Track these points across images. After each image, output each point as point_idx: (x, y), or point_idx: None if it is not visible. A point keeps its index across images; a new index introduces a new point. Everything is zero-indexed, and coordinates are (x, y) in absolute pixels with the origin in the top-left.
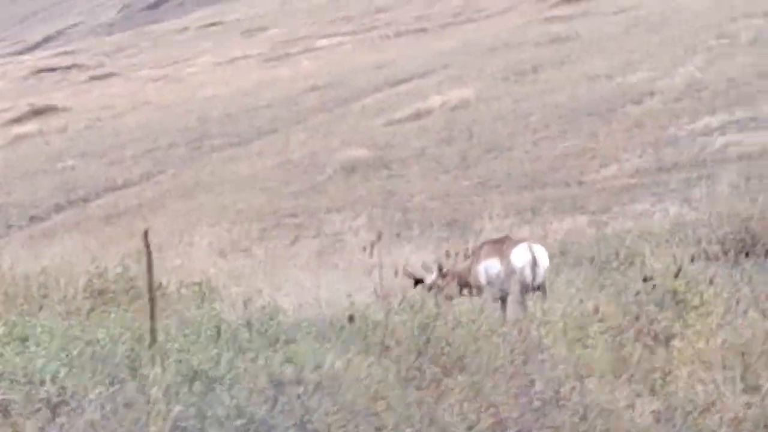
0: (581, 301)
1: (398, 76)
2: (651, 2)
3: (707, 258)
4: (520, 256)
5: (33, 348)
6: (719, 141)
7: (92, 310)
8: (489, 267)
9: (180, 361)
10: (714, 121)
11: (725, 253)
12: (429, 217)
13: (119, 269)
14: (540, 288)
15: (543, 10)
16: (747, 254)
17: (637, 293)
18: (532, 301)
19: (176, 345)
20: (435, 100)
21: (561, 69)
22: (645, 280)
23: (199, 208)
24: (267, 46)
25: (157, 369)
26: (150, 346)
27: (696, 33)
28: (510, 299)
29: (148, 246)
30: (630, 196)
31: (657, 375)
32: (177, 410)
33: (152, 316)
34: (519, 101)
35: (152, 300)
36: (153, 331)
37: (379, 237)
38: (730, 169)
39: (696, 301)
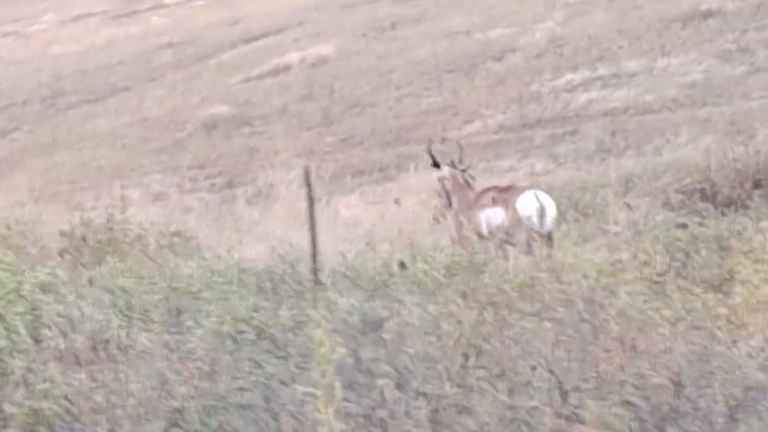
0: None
1: (254, 32)
2: None
3: (672, 208)
4: (527, 205)
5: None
6: (583, 97)
7: (99, 261)
8: (491, 216)
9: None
10: (577, 77)
11: (686, 203)
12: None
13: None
14: (547, 236)
15: None
16: (711, 204)
17: (678, 239)
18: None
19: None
20: (293, 57)
21: (419, 26)
22: (682, 226)
23: (58, 165)
24: (112, 4)
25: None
26: (314, 287)
27: None
28: (516, 249)
29: (310, 186)
30: (495, 153)
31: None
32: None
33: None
34: (380, 58)
35: (313, 239)
36: (315, 272)
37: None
38: (595, 125)
39: (746, 248)
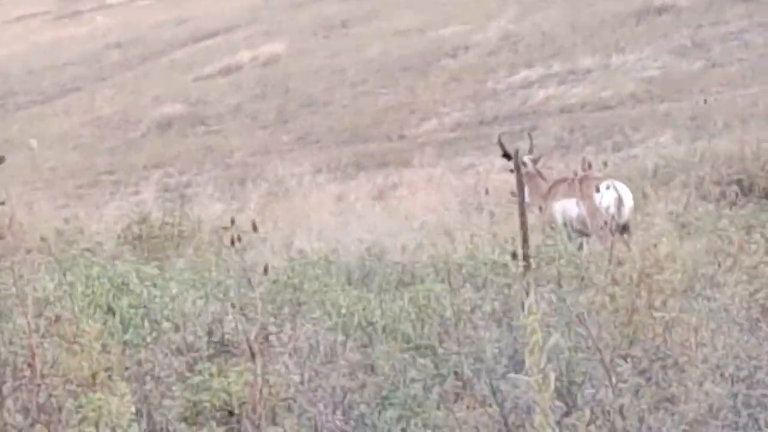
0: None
1: (202, 31)
2: None
3: (708, 201)
4: (605, 195)
5: None
6: (540, 94)
7: (159, 256)
8: (567, 207)
9: None
10: (532, 74)
11: (723, 195)
12: (251, 173)
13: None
14: (625, 228)
15: None
16: (744, 196)
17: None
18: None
19: None
20: (245, 56)
21: (370, 24)
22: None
23: (10, 165)
24: (54, 4)
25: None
26: (524, 273)
27: None
28: (592, 240)
29: (518, 168)
30: (454, 150)
31: None
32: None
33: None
34: (332, 56)
35: (524, 224)
36: (527, 257)
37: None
38: (553, 121)
39: None
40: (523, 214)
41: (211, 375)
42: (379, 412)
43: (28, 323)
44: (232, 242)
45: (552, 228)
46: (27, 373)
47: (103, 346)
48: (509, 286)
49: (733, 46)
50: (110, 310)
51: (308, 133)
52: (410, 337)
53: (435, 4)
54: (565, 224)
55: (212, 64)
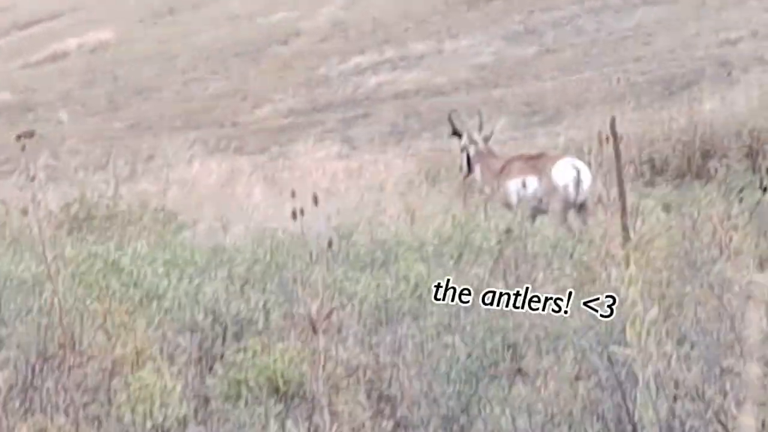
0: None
1: (26, 18)
2: None
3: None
4: (563, 173)
5: None
6: (372, 80)
7: (109, 236)
8: (523, 185)
9: None
10: (364, 60)
11: (639, 174)
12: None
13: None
14: (582, 206)
15: None
16: (658, 176)
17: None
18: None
19: None
20: (71, 43)
21: (199, 10)
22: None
23: None
24: None
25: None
26: (624, 244)
27: None
28: (549, 218)
29: (615, 136)
30: (288, 137)
31: None
32: None
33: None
34: (162, 43)
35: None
36: (625, 229)
37: None
38: (387, 107)
39: None
40: (621, 184)
41: (255, 352)
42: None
43: (59, 300)
44: (294, 215)
45: (507, 207)
46: (67, 353)
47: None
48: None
49: (566, 31)
50: (104, 290)
51: (140, 121)
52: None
53: None
54: (520, 201)
55: (39, 51)
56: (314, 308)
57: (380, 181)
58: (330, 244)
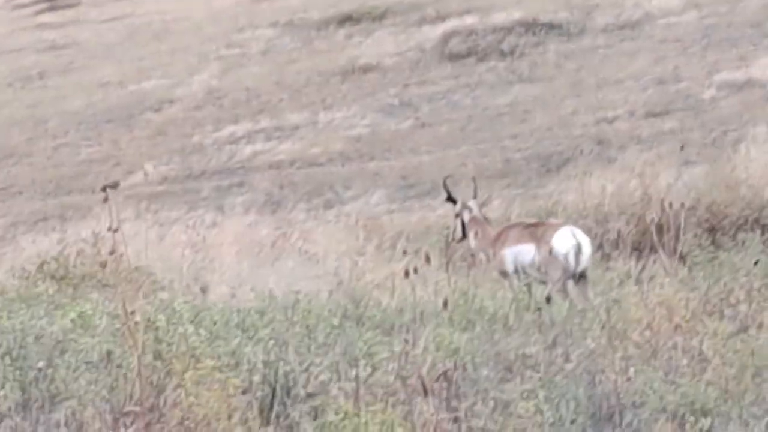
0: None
1: None
2: (144, 11)
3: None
4: (564, 242)
5: None
6: (247, 149)
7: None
8: (521, 253)
9: None
10: (239, 129)
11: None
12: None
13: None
14: (582, 275)
15: (29, 17)
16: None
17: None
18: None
19: None
20: None
21: (68, 76)
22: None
23: None
24: None
25: None
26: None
27: (205, 42)
28: (547, 287)
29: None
30: (161, 204)
31: None
32: None
33: None
34: (32, 107)
35: None
36: None
37: None
38: (262, 177)
39: None
40: None
41: (345, 414)
42: None
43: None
44: (407, 274)
45: (502, 275)
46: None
47: None
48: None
49: (441, 105)
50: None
51: (11, 185)
52: None
53: (133, 57)
54: (516, 271)
55: None
56: (425, 369)
57: (323, 249)
58: (445, 303)
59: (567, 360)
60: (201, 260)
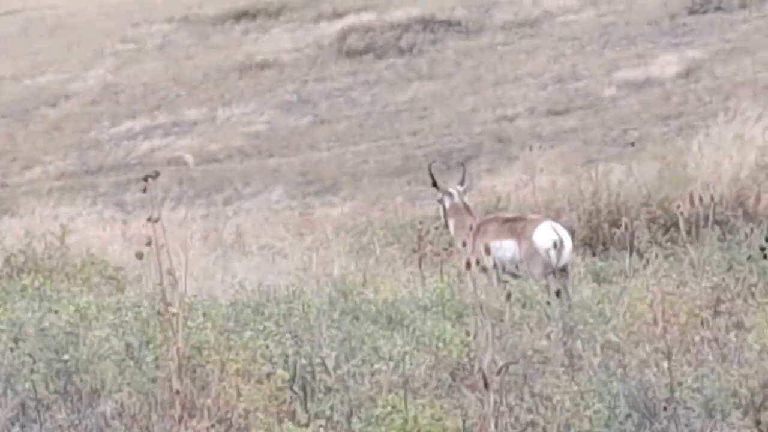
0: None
1: None
2: (36, 5)
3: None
4: (545, 237)
5: None
6: (145, 145)
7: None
8: (500, 248)
9: None
10: (136, 125)
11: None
12: None
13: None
14: (563, 270)
15: None
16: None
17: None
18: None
19: None
20: None
21: None
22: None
23: None
24: None
25: None
26: None
27: (99, 37)
28: (550, 282)
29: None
30: (59, 199)
31: None
32: None
33: None
34: None
35: None
36: None
37: None
38: (161, 173)
39: None
40: None
41: (393, 407)
42: None
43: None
44: (468, 266)
45: (482, 269)
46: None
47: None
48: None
49: (340, 102)
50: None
51: None
52: None
53: (27, 51)
54: (495, 266)
55: None
56: (485, 362)
57: (285, 244)
58: (508, 296)
59: (594, 354)
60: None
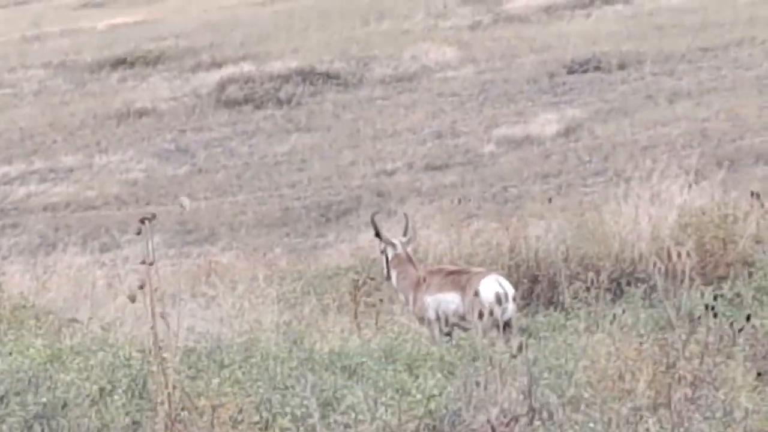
0: None
1: None
2: None
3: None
4: (490, 290)
5: None
6: (21, 191)
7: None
8: (444, 301)
9: None
10: (13, 170)
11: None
12: None
13: None
14: (507, 324)
15: None
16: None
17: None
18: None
19: None
20: None
21: None
22: None
23: None
24: None
25: None
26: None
27: None
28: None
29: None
30: None
31: None
32: None
33: None
34: None
35: None
36: None
37: None
38: (36, 219)
39: None
40: None
41: None
42: None
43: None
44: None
45: (421, 321)
46: None
47: None
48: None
49: (218, 152)
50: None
51: None
52: None
53: None
54: (438, 318)
55: None
56: (494, 413)
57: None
58: (520, 348)
59: (575, 410)
60: (74, 298)
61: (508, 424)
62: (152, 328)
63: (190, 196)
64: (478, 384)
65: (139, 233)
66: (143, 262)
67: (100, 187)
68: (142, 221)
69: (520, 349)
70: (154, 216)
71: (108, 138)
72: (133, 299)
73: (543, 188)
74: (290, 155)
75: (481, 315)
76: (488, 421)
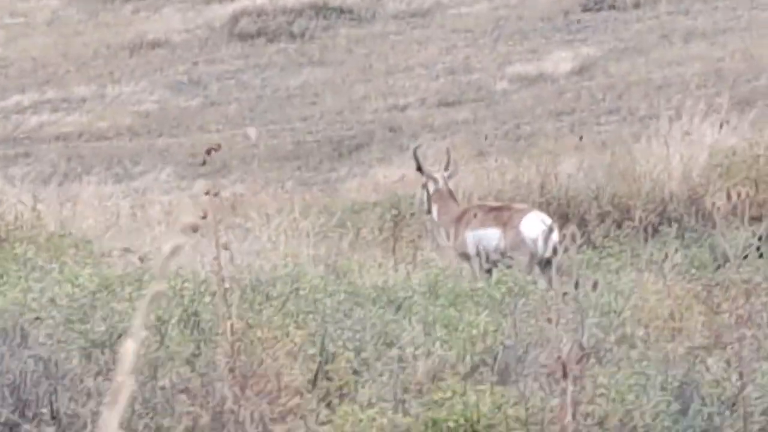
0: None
1: None
2: None
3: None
4: (532, 227)
5: None
6: (33, 120)
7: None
8: (484, 237)
9: None
10: (25, 99)
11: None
12: None
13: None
14: (548, 262)
15: None
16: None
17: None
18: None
19: None
20: None
21: None
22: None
23: None
24: None
25: None
26: None
27: None
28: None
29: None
30: None
31: None
32: None
33: None
34: None
35: None
36: None
37: None
38: (48, 148)
39: None
40: None
41: (454, 392)
42: None
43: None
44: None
45: (462, 257)
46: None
47: None
48: None
49: (230, 85)
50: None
51: None
52: None
53: None
54: (478, 254)
55: None
56: (565, 351)
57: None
58: (576, 284)
59: (632, 347)
60: (111, 228)
61: (579, 360)
62: (216, 258)
63: (201, 128)
64: (529, 321)
65: (203, 164)
66: (207, 193)
67: (113, 118)
68: (208, 152)
69: (576, 286)
70: (219, 146)
71: (121, 69)
72: (196, 229)
73: (556, 126)
74: (303, 89)
75: (523, 252)
76: (559, 357)
